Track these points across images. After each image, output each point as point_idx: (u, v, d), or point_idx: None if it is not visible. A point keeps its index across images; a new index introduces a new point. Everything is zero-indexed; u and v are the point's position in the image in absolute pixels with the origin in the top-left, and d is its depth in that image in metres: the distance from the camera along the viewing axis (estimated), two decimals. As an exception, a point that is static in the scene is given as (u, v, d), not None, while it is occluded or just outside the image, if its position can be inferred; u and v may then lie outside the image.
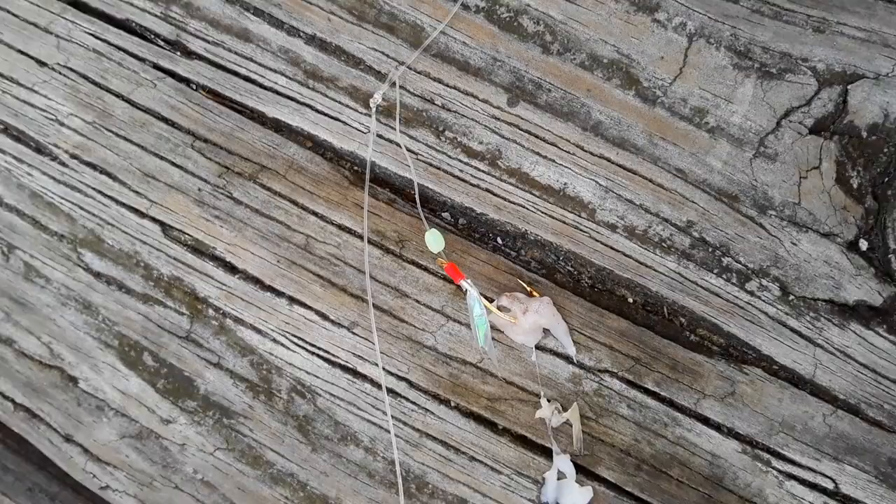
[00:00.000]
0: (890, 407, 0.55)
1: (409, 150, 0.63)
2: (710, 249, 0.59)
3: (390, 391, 0.60)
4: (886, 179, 0.57)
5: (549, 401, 0.58)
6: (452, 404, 0.59)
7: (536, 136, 0.62)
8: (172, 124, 0.66)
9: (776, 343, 0.57)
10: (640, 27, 0.63)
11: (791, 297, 0.57)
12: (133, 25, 0.69)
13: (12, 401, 0.66)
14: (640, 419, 0.57)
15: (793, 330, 0.57)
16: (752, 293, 0.58)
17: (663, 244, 0.60)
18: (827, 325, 0.57)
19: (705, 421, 0.57)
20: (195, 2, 0.68)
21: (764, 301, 0.58)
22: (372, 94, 0.64)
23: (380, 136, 0.64)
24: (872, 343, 0.56)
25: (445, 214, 0.63)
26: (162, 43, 0.68)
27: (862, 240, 0.57)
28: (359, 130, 0.64)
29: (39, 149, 0.67)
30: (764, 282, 0.58)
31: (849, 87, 0.58)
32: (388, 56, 0.65)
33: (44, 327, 0.65)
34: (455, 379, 0.59)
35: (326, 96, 0.65)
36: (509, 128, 0.62)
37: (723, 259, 0.59)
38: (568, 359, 0.59)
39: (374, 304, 0.61)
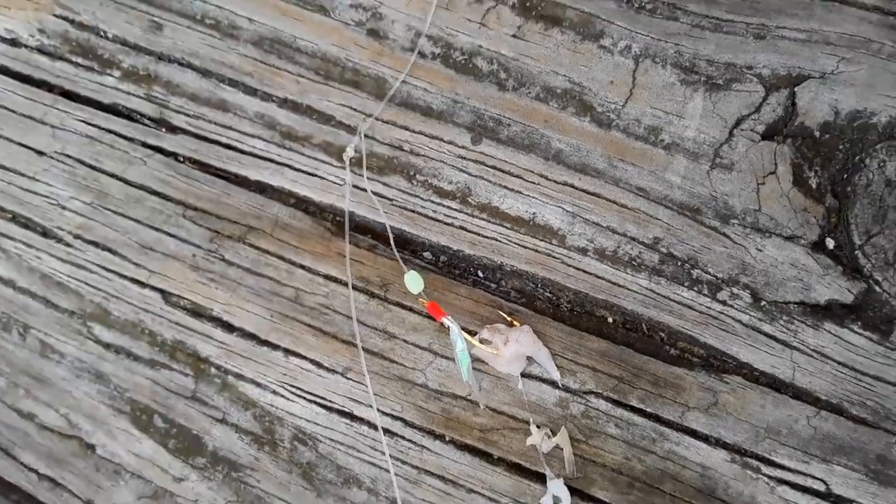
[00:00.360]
0: (872, 403, 0.55)
1: (384, 196, 0.66)
2: (678, 263, 0.60)
3: (386, 431, 0.62)
4: (845, 176, 0.57)
5: (538, 427, 0.59)
6: (447, 439, 0.61)
7: (502, 171, 0.64)
8: (164, 197, 0.70)
9: (752, 350, 0.58)
10: (588, 55, 0.65)
11: (763, 303, 0.58)
12: (120, 108, 0.73)
13: (36, 472, 0.69)
14: (629, 437, 0.58)
15: (768, 335, 0.58)
16: (724, 302, 0.59)
17: (633, 263, 0.61)
18: (801, 327, 0.57)
19: (692, 433, 0.57)
20: (174, 80, 0.72)
21: (737, 309, 0.58)
22: (344, 147, 0.67)
23: (355, 186, 0.67)
24: (848, 341, 0.56)
25: (426, 254, 0.66)
26: (147, 122, 0.73)
27: (828, 238, 0.57)
28: (335, 183, 0.67)
29: (45, 233, 0.72)
30: (734, 290, 0.59)
31: (795, 88, 0.59)
32: (355, 110, 0.68)
33: (61, 400, 0.69)
34: (447, 414, 0.61)
35: (302, 154, 0.68)
36: (476, 165, 0.65)
37: (692, 271, 0.60)
38: (553, 384, 0.60)
39: (364, 348, 0.63)
